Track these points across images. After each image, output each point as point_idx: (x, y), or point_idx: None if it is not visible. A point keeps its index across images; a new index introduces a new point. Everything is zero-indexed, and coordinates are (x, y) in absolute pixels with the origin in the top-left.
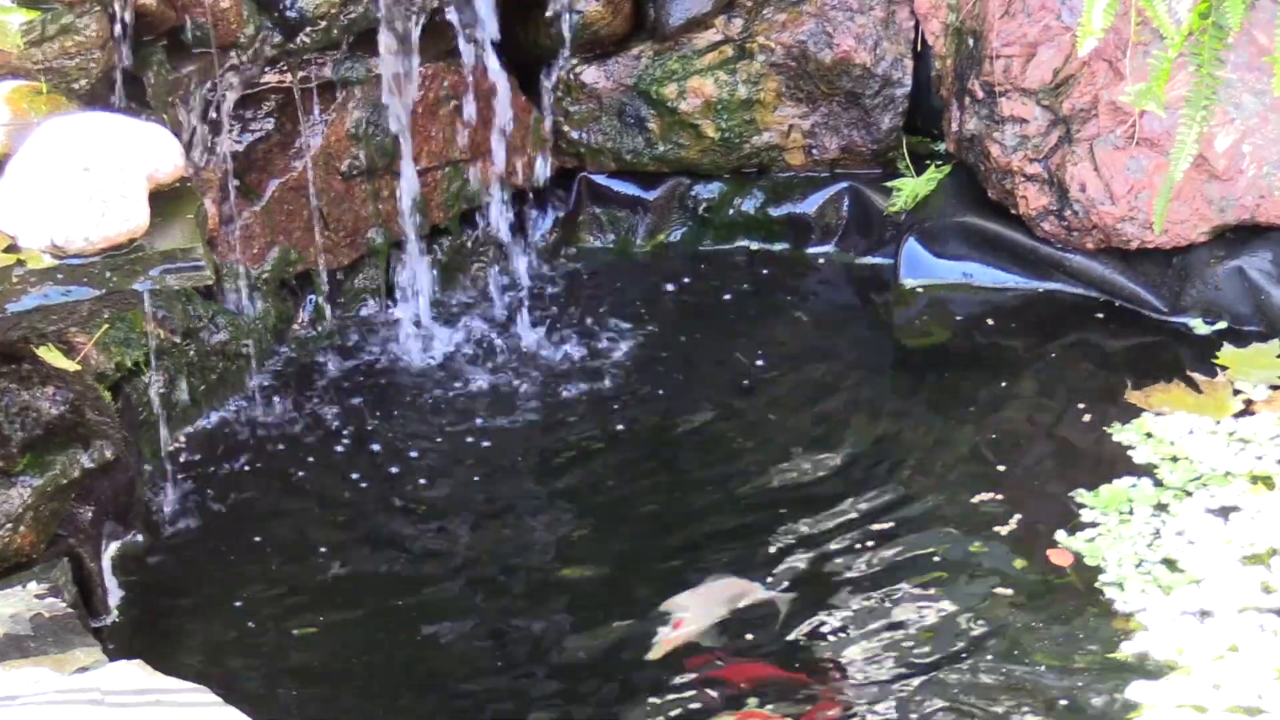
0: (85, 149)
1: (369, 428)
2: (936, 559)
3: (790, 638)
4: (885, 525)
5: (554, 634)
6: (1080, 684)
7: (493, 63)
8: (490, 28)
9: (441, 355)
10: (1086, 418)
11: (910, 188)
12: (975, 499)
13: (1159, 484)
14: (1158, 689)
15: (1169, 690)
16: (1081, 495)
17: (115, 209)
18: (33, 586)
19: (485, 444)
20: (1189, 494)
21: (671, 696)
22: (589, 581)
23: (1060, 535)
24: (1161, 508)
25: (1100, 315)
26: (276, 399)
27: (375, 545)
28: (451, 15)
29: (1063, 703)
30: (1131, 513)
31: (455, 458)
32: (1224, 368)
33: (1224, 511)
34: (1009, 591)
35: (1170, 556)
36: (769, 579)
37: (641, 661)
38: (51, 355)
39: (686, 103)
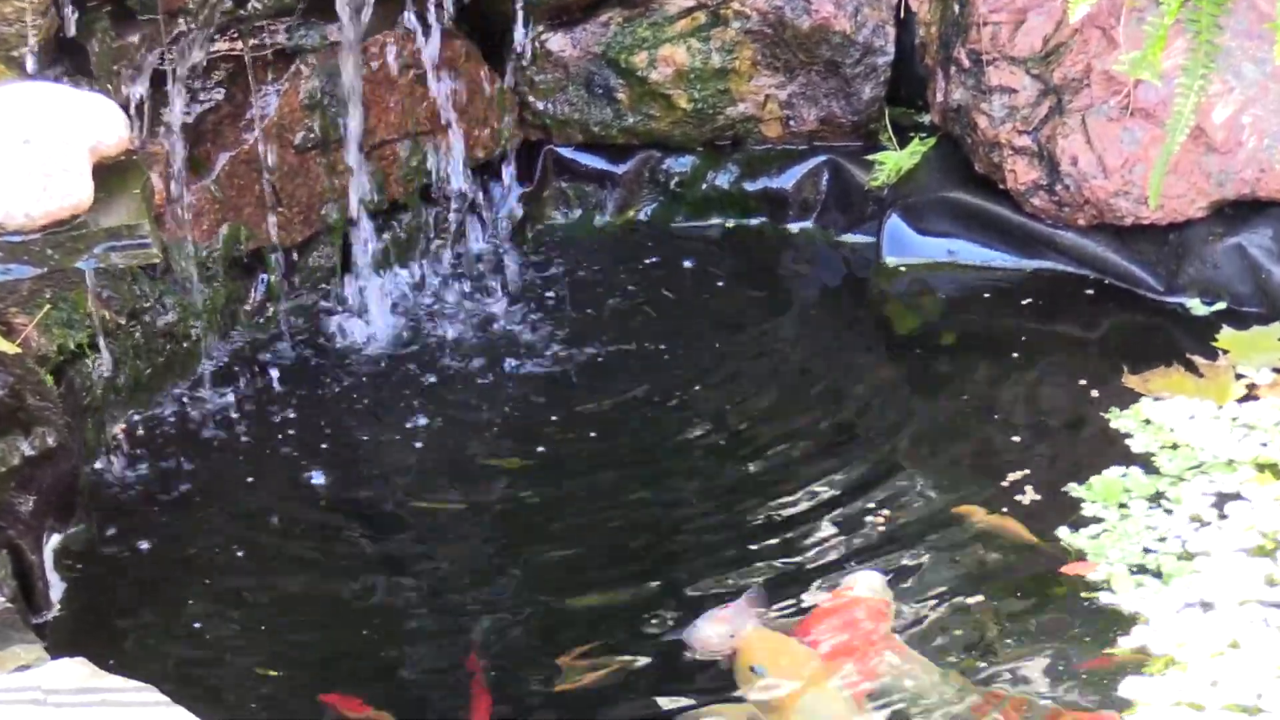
0: (25, 120)
1: (323, 411)
2: (927, 548)
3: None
4: (871, 515)
5: (518, 628)
6: (1078, 680)
7: (453, 29)
8: None
9: (397, 336)
10: (1081, 403)
11: (893, 161)
12: (966, 488)
13: (1158, 472)
14: (1153, 685)
15: (1165, 687)
16: (1075, 487)
17: (57, 183)
18: None
19: (443, 429)
20: (1190, 483)
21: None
22: (558, 577)
23: (1063, 531)
24: (1161, 497)
25: (1092, 295)
26: (226, 382)
27: (327, 537)
28: None
29: (1053, 700)
30: (1130, 503)
31: (413, 444)
32: (1224, 350)
33: (1227, 501)
34: (1003, 582)
35: (1171, 549)
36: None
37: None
38: None
39: (657, 72)
